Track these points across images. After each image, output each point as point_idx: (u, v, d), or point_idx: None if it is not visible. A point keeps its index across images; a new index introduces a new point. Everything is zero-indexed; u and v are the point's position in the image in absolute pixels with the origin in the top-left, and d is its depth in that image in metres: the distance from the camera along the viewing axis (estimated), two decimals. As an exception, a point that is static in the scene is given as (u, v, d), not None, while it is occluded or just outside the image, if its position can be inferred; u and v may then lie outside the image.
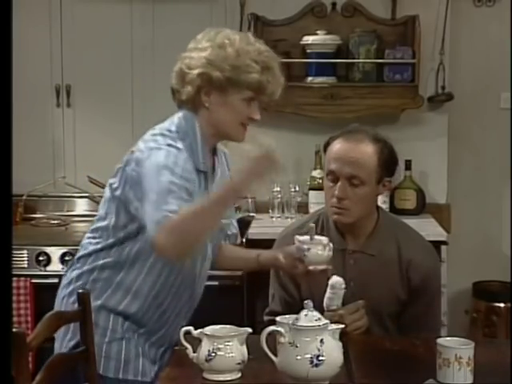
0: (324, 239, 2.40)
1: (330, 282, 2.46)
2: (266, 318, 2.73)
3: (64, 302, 2.43)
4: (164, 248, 2.11)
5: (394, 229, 2.70)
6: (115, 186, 2.35)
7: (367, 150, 2.58)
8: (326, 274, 2.40)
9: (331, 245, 2.40)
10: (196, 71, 2.31)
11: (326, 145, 2.66)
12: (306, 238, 2.40)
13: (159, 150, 2.23)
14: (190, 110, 2.36)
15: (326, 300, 2.47)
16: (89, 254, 2.42)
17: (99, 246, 2.40)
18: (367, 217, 2.66)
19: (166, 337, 2.46)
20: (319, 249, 2.36)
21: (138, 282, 2.36)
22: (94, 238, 2.43)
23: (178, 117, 2.37)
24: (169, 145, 2.25)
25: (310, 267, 2.36)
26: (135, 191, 2.25)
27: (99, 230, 2.41)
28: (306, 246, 2.36)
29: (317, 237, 2.40)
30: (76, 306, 2.31)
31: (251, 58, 2.31)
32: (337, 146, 2.61)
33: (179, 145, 2.27)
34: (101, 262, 2.39)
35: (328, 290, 2.47)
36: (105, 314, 2.37)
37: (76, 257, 2.48)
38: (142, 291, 2.36)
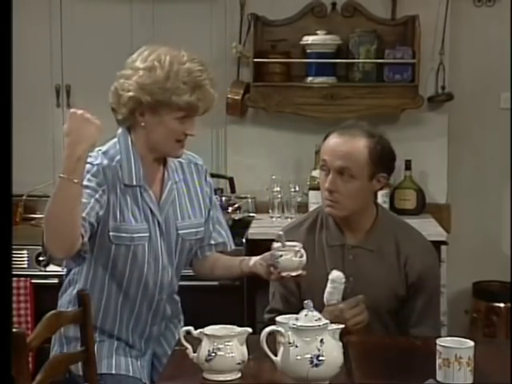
0: (296, 246, 2.43)
1: (330, 276, 2.47)
2: (266, 316, 2.74)
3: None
4: (46, 248, 2.21)
5: (393, 226, 2.71)
6: None
7: (358, 145, 2.60)
8: (299, 280, 2.45)
9: (303, 251, 2.42)
10: (128, 94, 2.38)
11: (324, 140, 2.69)
12: (280, 244, 2.43)
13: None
14: (126, 129, 2.47)
15: (326, 294, 2.48)
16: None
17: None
18: (364, 212, 2.67)
19: (143, 338, 2.56)
20: (291, 255, 2.40)
21: None
22: None
23: (117, 134, 2.49)
24: (88, 162, 2.32)
25: (283, 273, 2.40)
26: None
27: None
28: (278, 253, 2.40)
29: (289, 243, 2.43)
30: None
31: (181, 79, 2.35)
32: (331, 140, 2.64)
33: (97, 161, 2.41)
34: (68, 279, 2.58)
35: (328, 285, 2.48)
36: (73, 325, 2.41)
37: None
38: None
